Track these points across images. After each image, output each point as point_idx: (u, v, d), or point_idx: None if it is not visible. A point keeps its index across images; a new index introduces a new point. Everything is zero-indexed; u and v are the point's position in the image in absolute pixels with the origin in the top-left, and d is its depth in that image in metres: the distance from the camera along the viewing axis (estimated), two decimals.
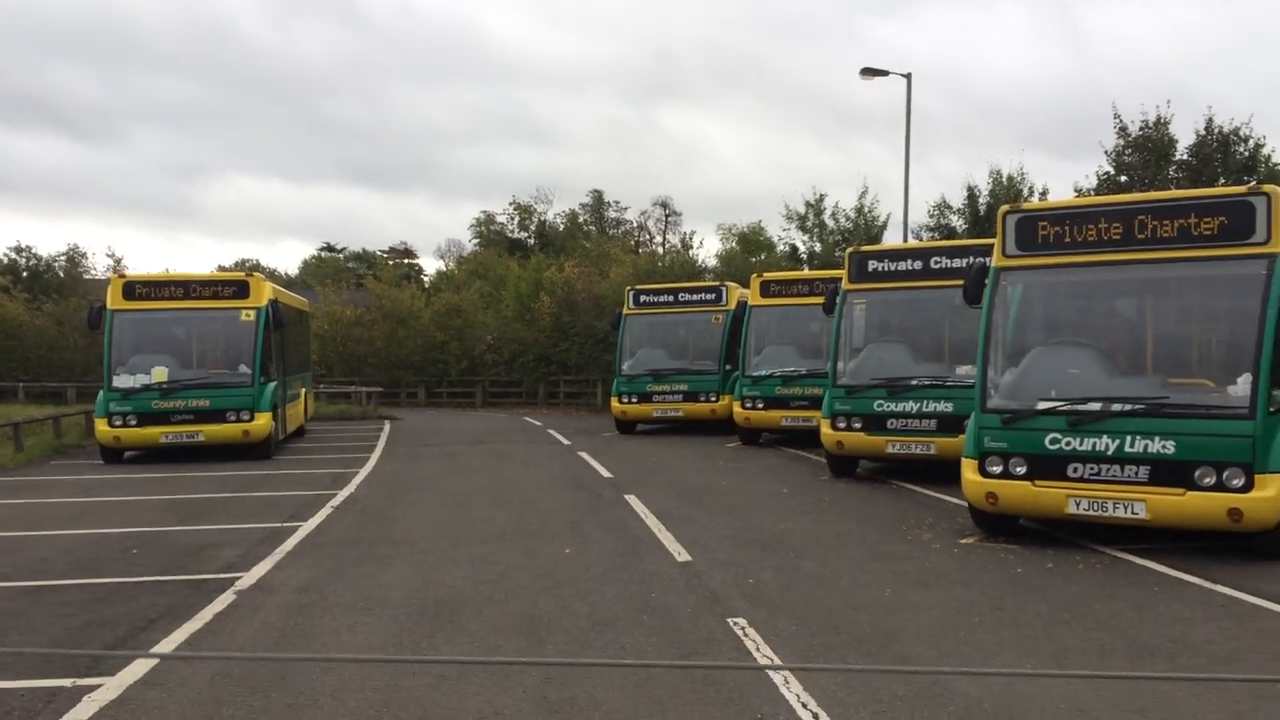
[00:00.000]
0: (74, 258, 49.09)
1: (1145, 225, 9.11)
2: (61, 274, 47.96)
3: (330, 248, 76.50)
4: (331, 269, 67.55)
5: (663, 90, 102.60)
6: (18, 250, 48.19)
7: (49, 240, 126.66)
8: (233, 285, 18.23)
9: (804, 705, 5.17)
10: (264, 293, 18.10)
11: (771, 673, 5.60)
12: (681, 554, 9.12)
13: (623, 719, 5.07)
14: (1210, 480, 8.46)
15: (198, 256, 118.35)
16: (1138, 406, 8.87)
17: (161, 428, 17.05)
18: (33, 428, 19.76)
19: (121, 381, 17.12)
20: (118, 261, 52.56)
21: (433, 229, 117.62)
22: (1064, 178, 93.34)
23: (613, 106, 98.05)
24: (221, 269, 60.21)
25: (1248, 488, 8.31)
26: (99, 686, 5.60)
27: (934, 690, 5.39)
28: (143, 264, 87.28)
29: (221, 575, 8.43)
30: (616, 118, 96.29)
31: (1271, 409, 8.47)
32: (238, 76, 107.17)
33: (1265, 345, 8.46)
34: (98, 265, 51.46)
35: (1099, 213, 9.37)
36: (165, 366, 17.41)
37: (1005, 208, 10.00)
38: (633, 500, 12.39)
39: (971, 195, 26.38)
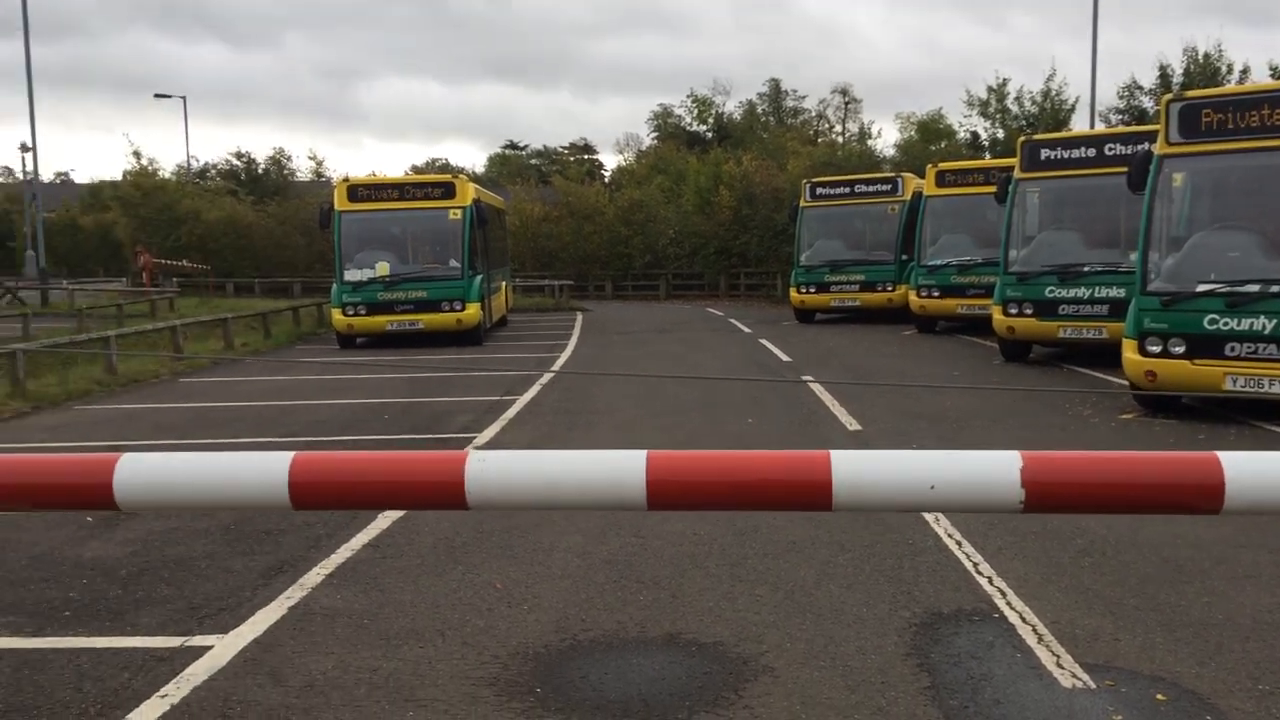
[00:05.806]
0: (279, 161, 52.82)
1: None
2: (274, 176, 51.76)
3: (514, 145, 78.89)
4: (515, 166, 69.95)
5: None
6: (237, 155, 52.22)
7: (220, 146, 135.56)
8: (441, 186, 20.06)
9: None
10: (468, 193, 19.83)
11: None
12: (852, 424, 10.21)
13: (797, 538, 6.31)
14: None
15: (370, 158, 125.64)
16: None
17: (387, 316, 19.17)
18: (276, 318, 22.44)
19: (351, 275, 19.28)
20: (320, 164, 56.13)
21: (582, 123, 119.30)
22: (1267, 49, 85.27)
23: None
24: (415, 170, 63.50)
25: None
26: None
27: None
28: (338, 168, 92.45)
29: (461, 435, 10.09)
30: (749, 3, 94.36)
31: None
32: None
33: None
34: (301, 168, 55.26)
35: (1262, 99, 9.63)
36: (386, 262, 19.47)
37: (1168, 96, 10.35)
38: (809, 380, 13.49)
39: (1164, 75, 25.43)
